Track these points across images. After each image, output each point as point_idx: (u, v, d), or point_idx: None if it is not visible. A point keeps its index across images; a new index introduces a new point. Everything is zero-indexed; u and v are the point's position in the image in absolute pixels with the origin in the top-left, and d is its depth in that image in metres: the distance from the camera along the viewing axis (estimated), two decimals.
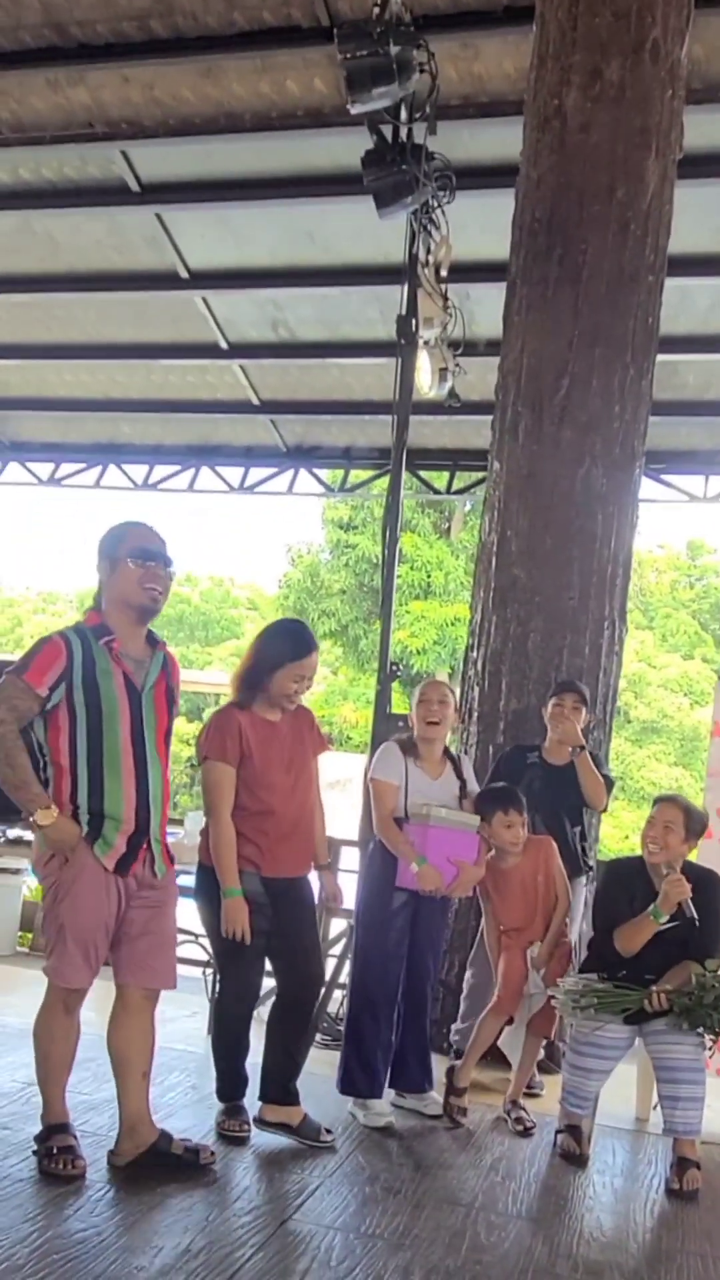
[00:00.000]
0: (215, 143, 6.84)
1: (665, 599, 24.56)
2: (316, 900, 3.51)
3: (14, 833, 5.93)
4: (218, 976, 3.46)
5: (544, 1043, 3.88)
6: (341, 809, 6.05)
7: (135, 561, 2.97)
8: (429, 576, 19.19)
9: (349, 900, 3.77)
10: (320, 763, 3.52)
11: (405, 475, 5.01)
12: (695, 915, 3.44)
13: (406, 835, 3.63)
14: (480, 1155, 3.46)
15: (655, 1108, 3.64)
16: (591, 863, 4.33)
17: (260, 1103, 3.41)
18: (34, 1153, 2.98)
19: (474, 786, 3.84)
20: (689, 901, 3.45)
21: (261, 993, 3.58)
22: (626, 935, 3.48)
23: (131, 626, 3.01)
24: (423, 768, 3.72)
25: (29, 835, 5.98)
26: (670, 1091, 3.41)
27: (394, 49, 4.24)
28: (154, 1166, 2.99)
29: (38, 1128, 3.20)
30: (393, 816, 3.66)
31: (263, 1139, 3.36)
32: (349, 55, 4.23)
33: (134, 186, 7.29)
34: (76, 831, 2.89)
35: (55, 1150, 2.93)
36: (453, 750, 3.88)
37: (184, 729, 14.45)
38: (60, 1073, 3.02)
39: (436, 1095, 3.80)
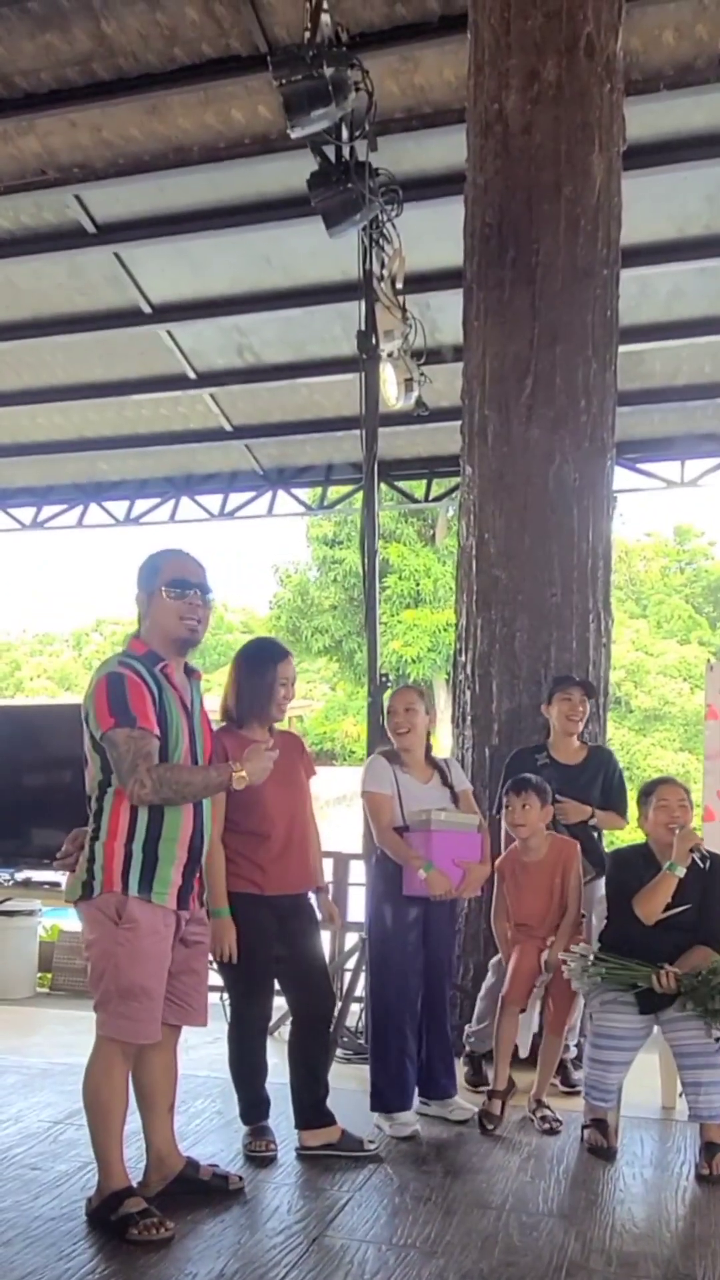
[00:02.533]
0: (166, 177, 6.92)
1: (657, 586, 24.62)
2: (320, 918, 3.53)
3: (23, 875, 5.93)
4: (229, 1001, 3.47)
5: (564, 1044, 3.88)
6: (348, 823, 6.08)
7: (172, 593, 2.92)
8: (418, 585, 19.25)
9: (353, 915, 3.79)
10: (312, 786, 3.56)
11: (383, 486, 5.06)
12: (707, 856, 3.52)
13: (409, 842, 3.64)
14: (508, 1156, 3.46)
15: (680, 1095, 3.65)
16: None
17: (298, 1130, 3.42)
18: (109, 1223, 2.79)
19: (465, 786, 3.86)
20: (701, 849, 3.51)
21: (275, 1014, 3.59)
22: (646, 898, 3.50)
23: (174, 657, 2.98)
24: (411, 775, 3.75)
25: (39, 877, 6.01)
26: (693, 1077, 3.42)
27: (328, 71, 4.30)
28: (183, 1194, 2.99)
29: (67, 1166, 3.23)
30: (392, 826, 3.67)
31: (288, 1158, 3.37)
32: (284, 81, 4.30)
33: (90, 228, 7.38)
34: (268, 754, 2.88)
35: (137, 1215, 2.78)
36: (438, 754, 3.90)
37: None
38: (120, 1131, 2.89)
39: (462, 1100, 3.81)
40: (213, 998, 4.57)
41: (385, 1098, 3.64)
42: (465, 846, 3.66)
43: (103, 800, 2.87)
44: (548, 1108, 3.76)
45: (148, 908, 2.83)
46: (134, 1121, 3.11)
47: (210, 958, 3.24)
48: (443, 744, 5.72)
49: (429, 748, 3.84)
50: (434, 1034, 3.76)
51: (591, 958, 3.53)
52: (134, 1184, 2.92)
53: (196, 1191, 3.01)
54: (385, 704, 3.84)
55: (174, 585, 2.92)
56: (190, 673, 3.06)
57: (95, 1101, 2.89)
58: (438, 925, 3.73)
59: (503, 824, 4.00)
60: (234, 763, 2.86)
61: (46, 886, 5.99)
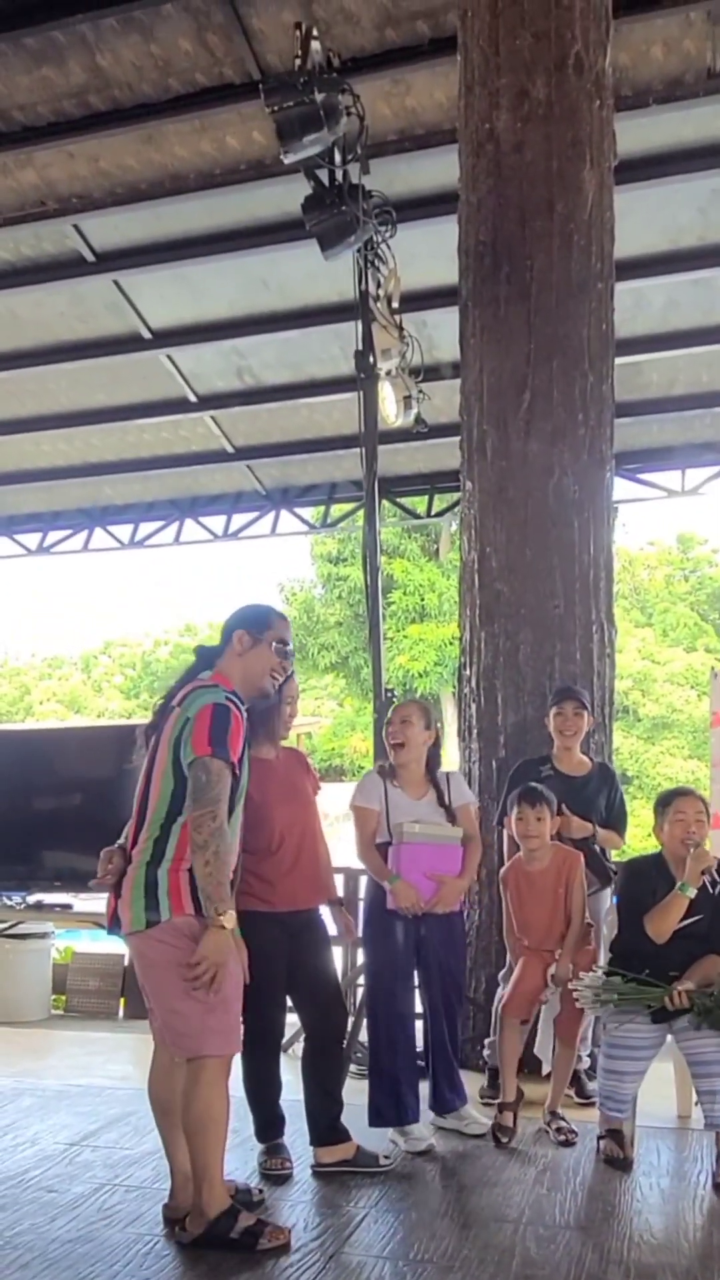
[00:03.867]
0: (163, 205, 7.02)
1: (662, 594, 24.60)
2: (334, 933, 3.54)
3: (35, 898, 5.95)
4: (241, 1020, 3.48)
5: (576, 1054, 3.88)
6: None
7: (277, 649, 3.07)
8: (422, 599, 19.30)
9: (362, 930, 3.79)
10: (320, 802, 3.58)
11: (385, 503, 5.10)
12: (717, 881, 3.49)
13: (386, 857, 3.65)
14: (524, 1169, 3.46)
15: (696, 1104, 3.63)
16: (616, 869, 4.34)
17: (313, 1148, 3.42)
18: (231, 1240, 2.80)
19: (464, 801, 3.83)
20: (714, 871, 3.48)
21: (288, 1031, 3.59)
22: (657, 919, 3.49)
23: (247, 700, 3.05)
24: (403, 790, 3.75)
25: (51, 899, 6.03)
26: (708, 1086, 3.40)
27: (320, 96, 4.36)
28: None
29: (83, 1188, 3.23)
30: (374, 841, 3.68)
31: (304, 1175, 3.37)
32: (277, 107, 4.36)
33: (89, 257, 7.48)
34: (230, 955, 2.82)
35: (256, 1227, 2.83)
36: (442, 770, 3.87)
37: None
38: (224, 1148, 2.89)
39: (475, 1112, 3.80)
40: None
41: (380, 1112, 3.63)
42: (441, 859, 3.65)
43: (169, 827, 2.86)
44: (563, 1119, 3.75)
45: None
46: (151, 1140, 3.13)
47: None
48: (451, 758, 5.74)
49: (431, 763, 3.81)
50: (439, 1048, 3.74)
51: (603, 982, 3.52)
52: (234, 1204, 2.91)
53: None
54: (390, 716, 3.85)
55: (279, 643, 3.09)
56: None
57: (209, 1120, 2.84)
58: (439, 939, 3.70)
59: (504, 834, 4.00)
60: (232, 918, 2.81)
61: (58, 909, 6.02)
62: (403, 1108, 3.63)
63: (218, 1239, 2.81)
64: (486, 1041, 4.22)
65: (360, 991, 4.70)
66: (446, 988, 3.74)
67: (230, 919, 2.78)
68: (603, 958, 3.85)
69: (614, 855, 4.47)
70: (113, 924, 2.98)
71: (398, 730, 3.76)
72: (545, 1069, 3.79)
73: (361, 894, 5.23)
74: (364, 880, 5.13)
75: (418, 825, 3.65)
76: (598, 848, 4.22)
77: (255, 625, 3.07)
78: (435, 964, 3.71)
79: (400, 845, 3.60)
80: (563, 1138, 3.66)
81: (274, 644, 3.06)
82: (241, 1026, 2.91)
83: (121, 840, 2.99)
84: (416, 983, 3.75)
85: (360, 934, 3.79)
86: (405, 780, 3.77)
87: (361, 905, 3.96)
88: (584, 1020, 3.76)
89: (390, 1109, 3.62)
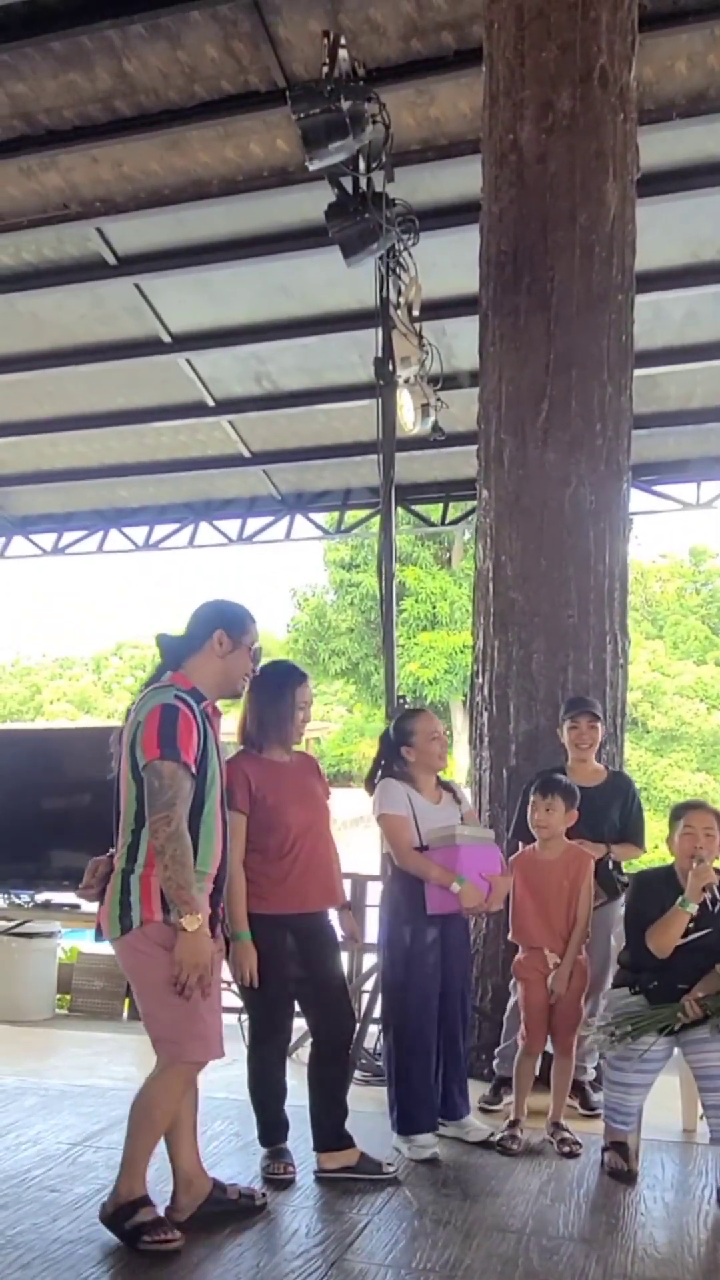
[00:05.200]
0: (186, 210, 7.06)
1: (673, 607, 24.56)
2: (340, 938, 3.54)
3: (42, 897, 5.96)
4: (247, 1023, 3.48)
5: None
6: (364, 845, 6.08)
7: (251, 652, 3.07)
8: (434, 607, 19.32)
9: (372, 936, 3.79)
10: (330, 806, 3.58)
11: (400, 510, 5.11)
12: (717, 900, 3.47)
13: (433, 860, 3.65)
14: (528, 1179, 3.44)
15: (701, 1118, 3.62)
16: (626, 880, 4.32)
17: (316, 1153, 3.41)
18: (123, 1229, 2.85)
19: (468, 808, 3.89)
20: (715, 888, 3.46)
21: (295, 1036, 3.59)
22: (658, 933, 3.48)
23: (214, 699, 3.04)
24: (423, 794, 3.77)
25: (59, 898, 6.04)
26: (714, 1100, 3.39)
27: (345, 104, 4.38)
28: (207, 1216, 3.00)
29: (85, 1189, 3.23)
30: (412, 846, 3.69)
31: (307, 1180, 3.36)
32: (302, 115, 4.38)
33: (111, 260, 7.52)
34: (210, 949, 2.81)
35: (150, 1224, 2.85)
36: (442, 777, 3.90)
37: None
38: (153, 1150, 2.95)
39: (477, 1120, 3.80)
40: (231, 1019, 4.60)
41: (412, 1118, 3.61)
42: (488, 860, 3.68)
43: (139, 833, 2.87)
44: (566, 1130, 3.73)
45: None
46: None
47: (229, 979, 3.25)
48: (459, 765, 5.73)
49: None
50: (450, 1055, 3.74)
51: (612, 1018, 3.50)
52: (147, 1194, 2.93)
53: (226, 1211, 3.03)
54: (411, 725, 3.84)
55: (256, 649, 3.11)
56: (215, 713, 3.10)
57: (148, 1116, 2.90)
58: (454, 946, 3.73)
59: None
60: (196, 919, 2.78)
61: (66, 908, 6.03)
62: (432, 1113, 3.64)
63: (115, 1225, 2.88)
64: (497, 1050, 4.21)
65: (366, 997, 4.70)
66: (459, 994, 3.75)
67: (193, 922, 2.76)
68: (612, 969, 3.84)
69: (625, 866, 4.45)
70: (99, 931, 2.99)
71: (441, 748, 3.81)
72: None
73: (369, 899, 5.23)
74: (372, 886, 5.14)
75: (465, 829, 3.67)
76: (610, 861, 4.21)
77: (236, 627, 3.03)
78: (452, 972, 3.71)
79: (456, 848, 3.60)
80: (567, 1149, 3.65)
81: (251, 648, 3.06)
82: (219, 1039, 2.89)
83: (112, 849, 2.99)
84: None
85: (381, 939, 3.79)
86: (424, 786, 3.79)
87: (380, 910, 3.95)
88: (578, 1029, 3.75)
89: (422, 1113, 3.62)
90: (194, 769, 2.85)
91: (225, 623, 3.03)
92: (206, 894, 2.91)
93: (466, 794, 3.97)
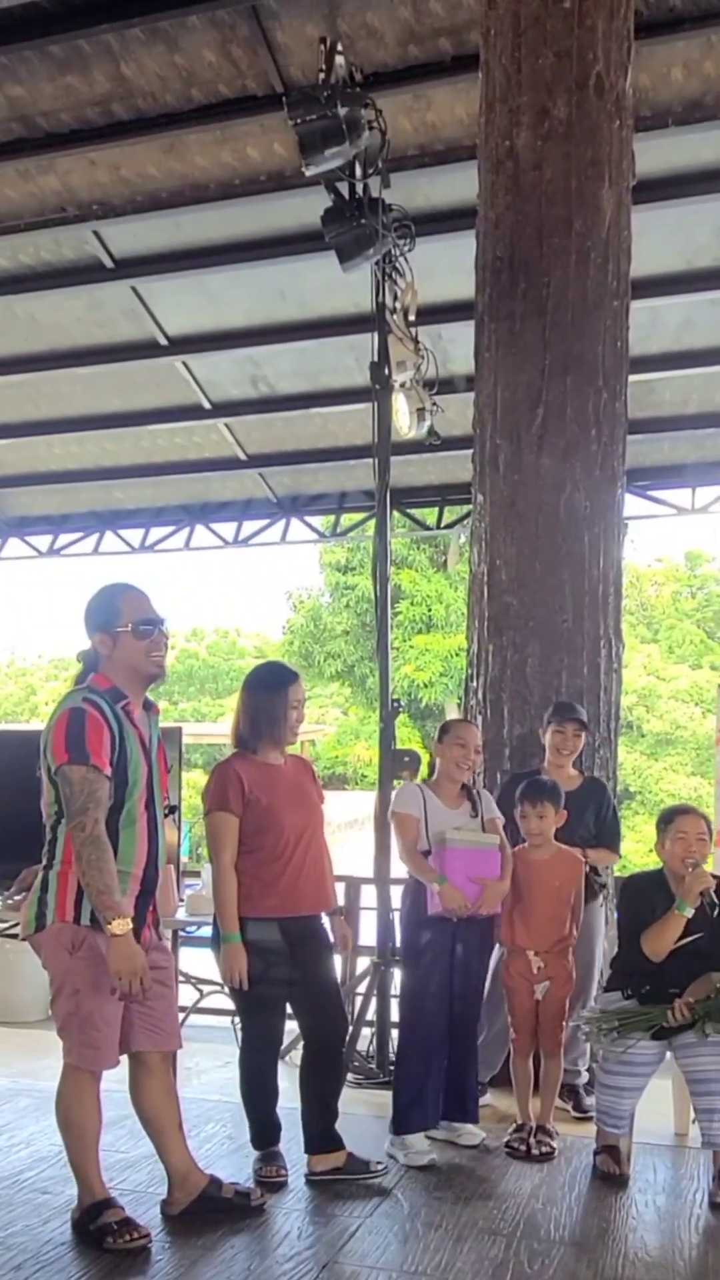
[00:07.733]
0: (183, 214, 7.08)
1: (668, 611, 24.56)
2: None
3: None
4: (240, 1025, 3.49)
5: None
6: (360, 847, 6.08)
7: (139, 632, 2.96)
8: (429, 610, 19.32)
9: (366, 939, 3.80)
10: (324, 810, 3.59)
11: (395, 514, 5.12)
12: (715, 904, 3.47)
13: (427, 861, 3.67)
14: (519, 1182, 3.45)
15: (694, 1121, 3.63)
16: (605, 882, 4.34)
17: (307, 1155, 3.42)
18: (88, 1233, 2.88)
19: (493, 815, 3.85)
20: (711, 892, 3.47)
21: (287, 1038, 3.59)
22: (654, 937, 3.48)
23: (138, 692, 3.03)
24: (441, 798, 3.79)
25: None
26: (706, 1104, 3.40)
27: (342, 110, 4.39)
28: (204, 1213, 3.01)
29: (78, 1190, 3.21)
30: (416, 847, 3.70)
31: (299, 1183, 3.37)
32: (299, 120, 4.39)
33: (108, 263, 7.54)
34: (142, 957, 2.80)
35: (115, 1225, 2.86)
36: (467, 783, 3.89)
37: (199, 781, 14.50)
38: (95, 1148, 2.96)
39: (473, 1127, 3.79)
40: (224, 1021, 4.61)
41: (408, 1118, 3.63)
42: (483, 864, 3.68)
43: (57, 830, 2.92)
44: (548, 1134, 3.72)
45: (102, 937, 2.83)
46: (147, 1144, 3.14)
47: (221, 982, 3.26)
48: None
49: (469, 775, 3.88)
50: (460, 1058, 3.74)
51: (600, 1013, 3.51)
52: (111, 1195, 2.96)
53: (220, 1209, 3.04)
54: (444, 730, 3.85)
55: (141, 624, 2.97)
56: (149, 707, 3.08)
57: (68, 1123, 2.94)
58: (469, 949, 3.72)
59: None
60: (125, 923, 2.78)
61: None
62: (428, 1114, 3.66)
63: (81, 1229, 2.91)
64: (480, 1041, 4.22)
65: (359, 1000, 4.70)
66: (473, 998, 3.76)
67: (121, 925, 2.76)
68: (597, 972, 3.85)
69: (615, 870, 4.46)
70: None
71: (475, 759, 3.84)
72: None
73: (363, 902, 5.25)
74: (366, 889, 5.15)
75: (459, 831, 3.69)
76: (588, 865, 4.21)
77: (105, 619, 2.97)
78: (465, 974, 3.71)
79: (444, 850, 3.63)
80: (542, 1149, 3.64)
81: (134, 627, 2.94)
82: (111, 1052, 2.89)
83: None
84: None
85: (401, 941, 3.80)
86: (442, 791, 3.80)
87: (398, 915, 3.96)
88: (564, 1031, 3.75)
89: (417, 1113, 3.63)
90: (107, 770, 2.84)
91: (97, 624, 2.99)
92: (133, 895, 2.92)
93: (493, 803, 3.93)
